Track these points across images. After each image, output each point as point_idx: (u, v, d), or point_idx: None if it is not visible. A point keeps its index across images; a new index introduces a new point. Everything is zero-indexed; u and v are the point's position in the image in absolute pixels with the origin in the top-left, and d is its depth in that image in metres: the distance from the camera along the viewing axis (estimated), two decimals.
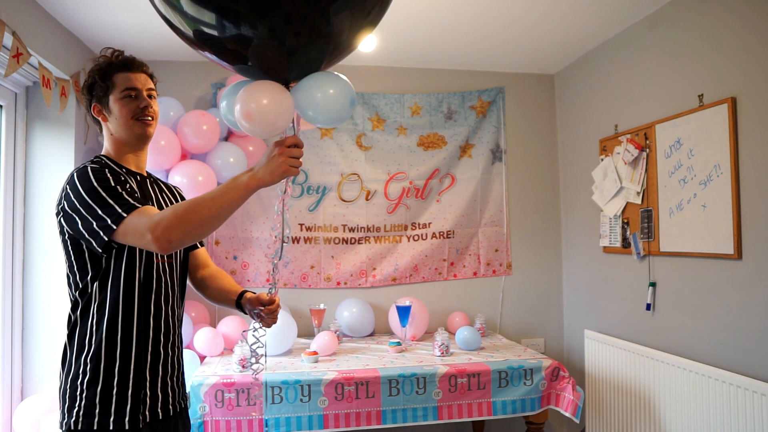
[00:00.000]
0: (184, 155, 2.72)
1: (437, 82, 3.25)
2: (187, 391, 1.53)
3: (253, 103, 1.15)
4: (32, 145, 2.55)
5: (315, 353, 2.48)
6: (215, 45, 1.15)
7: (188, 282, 1.60)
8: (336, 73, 1.25)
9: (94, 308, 1.30)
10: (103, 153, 1.43)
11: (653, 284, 2.45)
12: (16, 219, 2.49)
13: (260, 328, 1.45)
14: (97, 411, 1.26)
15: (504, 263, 3.27)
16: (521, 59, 3.13)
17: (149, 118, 1.40)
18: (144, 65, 1.43)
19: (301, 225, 3.10)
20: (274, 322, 1.48)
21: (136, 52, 2.97)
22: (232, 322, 2.78)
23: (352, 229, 3.14)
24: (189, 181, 2.57)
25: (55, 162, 2.56)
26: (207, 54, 1.20)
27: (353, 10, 1.13)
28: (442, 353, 2.51)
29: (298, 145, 1.21)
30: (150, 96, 1.41)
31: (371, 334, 3.04)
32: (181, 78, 3.01)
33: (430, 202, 3.22)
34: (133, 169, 1.43)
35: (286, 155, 1.19)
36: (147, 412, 1.32)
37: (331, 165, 3.12)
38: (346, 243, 3.14)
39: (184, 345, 2.63)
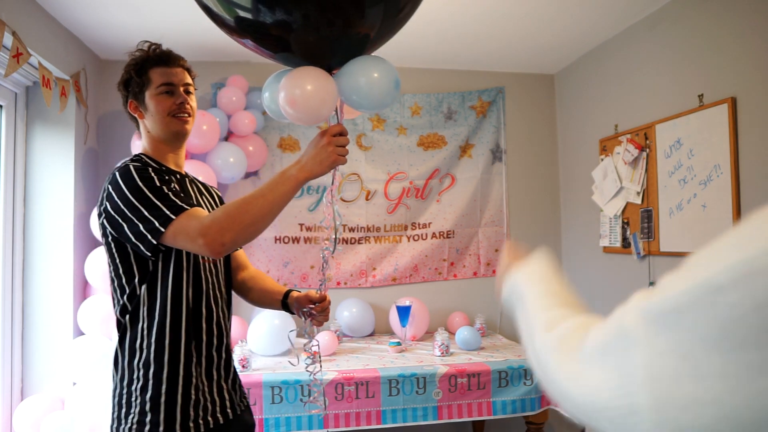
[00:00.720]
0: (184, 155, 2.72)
1: (437, 82, 3.25)
2: (245, 391, 1.47)
3: (297, 89, 1.14)
4: (32, 145, 2.54)
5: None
6: (256, 31, 1.14)
7: None
8: (379, 56, 1.22)
9: (143, 312, 1.25)
10: (141, 152, 1.37)
11: (653, 284, 2.45)
12: (16, 219, 2.49)
13: (312, 328, 1.39)
14: (148, 419, 1.21)
15: None
16: (521, 59, 3.13)
17: (186, 114, 1.35)
18: (181, 58, 1.37)
19: (301, 225, 3.09)
20: (326, 320, 1.42)
21: None
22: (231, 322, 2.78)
23: (352, 229, 3.14)
24: None
25: (55, 162, 2.56)
26: (249, 42, 1.19)
27: (387, 4, 1.12)
28: (442, 353, 2.51)
29: (343, 133, 1.19)
30: (187, 91, 1.36)
31: (371, 334, 3.04)
32: None
33: (430, 202, 3.22)
34: (173, 167, 1.38)
35: (334, 144, 1.17)
36: (201, 420, 1.26)
37: None
38: (346, 243, 3.14)
39: None
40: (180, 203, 1.17)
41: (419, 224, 3.21)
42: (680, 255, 2.28)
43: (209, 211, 1.35)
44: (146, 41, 1.36)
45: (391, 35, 1.25)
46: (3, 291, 2.40)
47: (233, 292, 1.55)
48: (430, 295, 3.15)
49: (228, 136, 2.89)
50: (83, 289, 2.66)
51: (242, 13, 1.12)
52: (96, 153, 2.86)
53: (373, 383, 2.23)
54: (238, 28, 1.16)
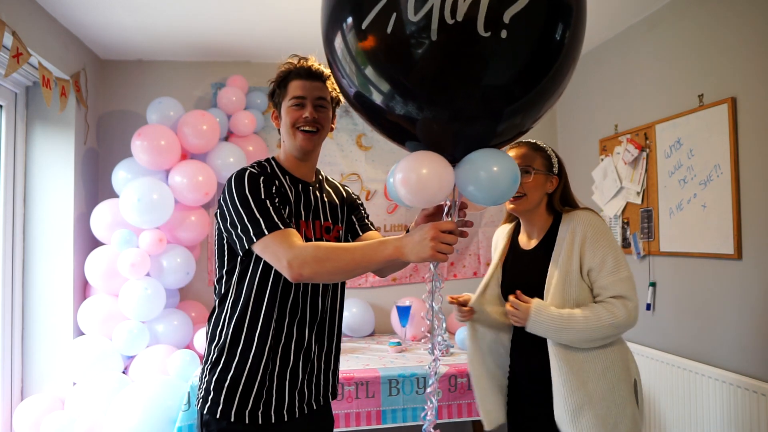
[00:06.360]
0: (184, 155, 2.72)
1: None
2: (332, 387, 1.48)
3: (413, 173, 1.09)
4: (32, 145, 2.55)
5: None
6: (378, 115, 1.13)
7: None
8: (501, 151, 1.18)
9: (229, 303, 1.35)
10: (274, 156, 1.45)
11: (653, 284, 2.45)
12: (16, 219, 2.49)
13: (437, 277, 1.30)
14: (210, 397, 1.31)
15: None
16: None
17: (310, 128, 1.35)
18: (323, 73, 1.37)
19: None
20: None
21: (136, 52, 2.98)
22: None
23: None
24: (189, 181, 2.57)
25: (55, 162, 2.56)
26: (364, 117, 1.18)
27: (525, 114, 1.10)
28: (442, 353, 2.51)
29: (453, 232, 1.14)
30: (321, 105, 1.37)
31: (371, 334, 3.04)
32: (181, 78, 3.01)
33: None
34: (297, 176, 1.41)
35: (438, 240, 1.12)
36: (261, 414, 1.31)
37: (332, 165, 3.12)
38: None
39: (184, 345, 2.64)
40: (277, 220, 1.25)
41: None
42: (680, 255, 2.28)
43: (332, 220, 1.45)
44: (296, 54, 1.39)
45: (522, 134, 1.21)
46: (3, 291, 2.40)
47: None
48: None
49: (228, 136, 2.90)
50: (83, 289, 2.66)
51: (375, 98, 1.09)
52: (96, 153, 2.87)
53: (373, 383, 2.23)
54: (358, 103, 1.15)
